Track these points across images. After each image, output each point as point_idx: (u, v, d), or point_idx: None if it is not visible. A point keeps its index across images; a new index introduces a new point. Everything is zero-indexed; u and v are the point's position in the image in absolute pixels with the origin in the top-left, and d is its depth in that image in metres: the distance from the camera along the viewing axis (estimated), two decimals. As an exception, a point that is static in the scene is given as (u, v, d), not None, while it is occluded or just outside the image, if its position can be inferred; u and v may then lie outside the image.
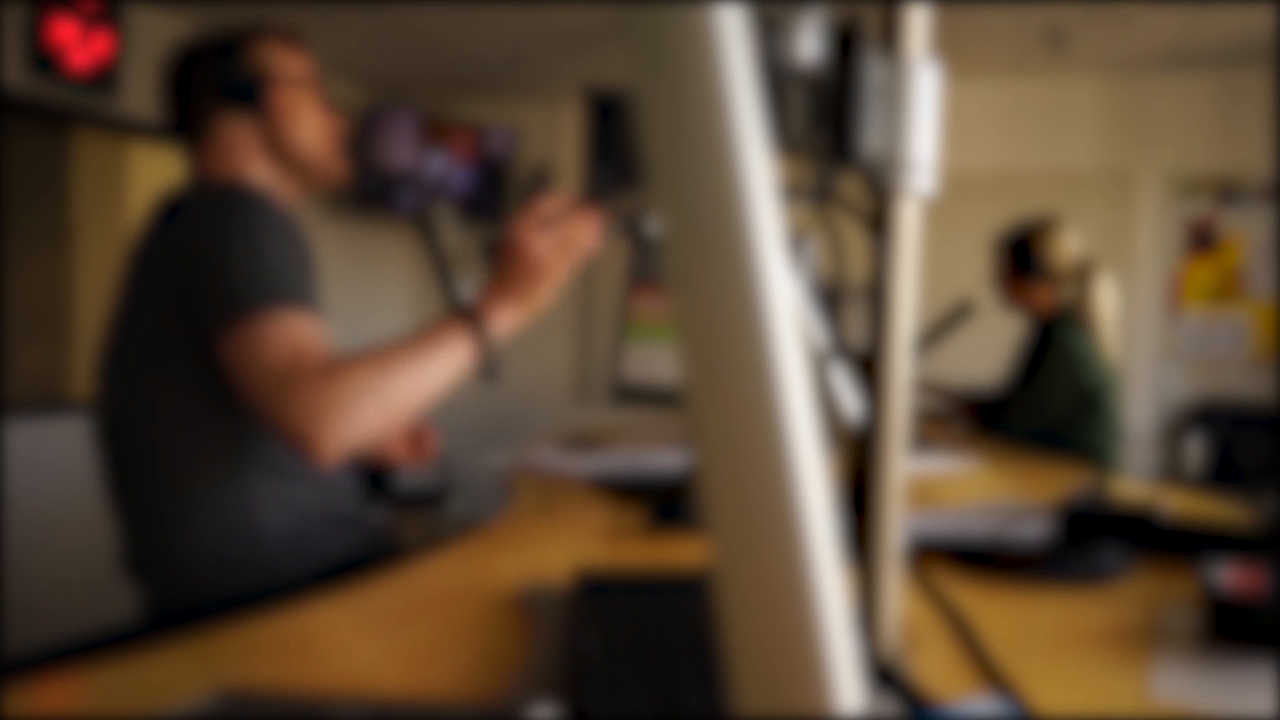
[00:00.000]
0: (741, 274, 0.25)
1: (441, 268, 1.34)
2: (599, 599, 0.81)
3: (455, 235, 1.39)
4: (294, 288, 1.11)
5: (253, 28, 1.37)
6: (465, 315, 1.12)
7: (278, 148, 1.34)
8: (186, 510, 1.15)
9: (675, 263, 0.26)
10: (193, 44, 1.34)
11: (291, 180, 1.37)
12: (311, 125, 1.36)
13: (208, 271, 1.11)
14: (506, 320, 1.15)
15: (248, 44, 1.34)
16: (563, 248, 1.15)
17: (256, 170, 1.33)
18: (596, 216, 1.17)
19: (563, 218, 1.16)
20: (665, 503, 1.33)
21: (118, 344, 1.21)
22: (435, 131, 4.53)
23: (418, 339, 1.10)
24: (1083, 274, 2.57)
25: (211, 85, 1.32)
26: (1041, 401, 2.51)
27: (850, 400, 0.74)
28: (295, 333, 1.07)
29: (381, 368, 1.06)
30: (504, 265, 1.15)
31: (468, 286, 1.43)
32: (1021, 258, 2.60)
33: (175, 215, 1.21)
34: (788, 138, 0.54)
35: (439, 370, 1.09)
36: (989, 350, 3.42)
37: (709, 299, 0.25)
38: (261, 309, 1.07)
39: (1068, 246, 2.58)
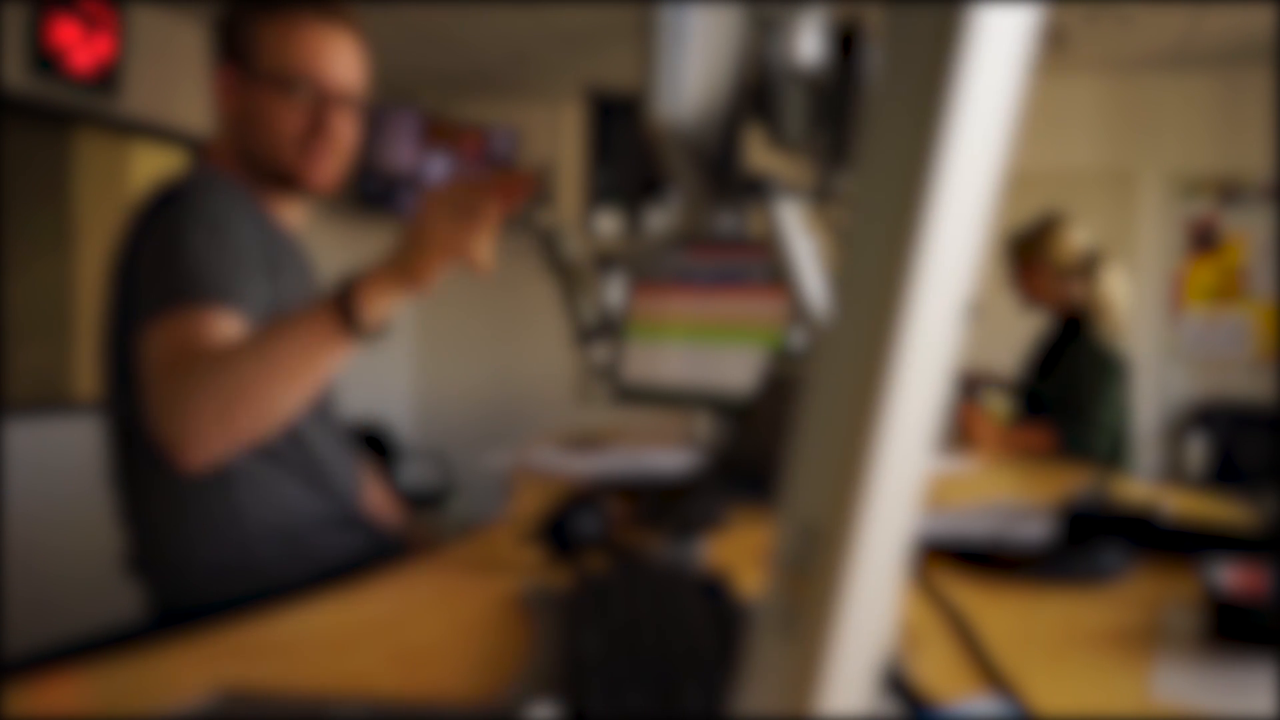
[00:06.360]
0: (917, 273, 0.26)
1: (567, 284, 1.30)
2: (599, 599, 0.81)
3: (576, 246, 1.34)
4: (212, 281, 1.03)
5: None
6: (338, 299, 1.00)
7: (241, 145, 1.20)
8: (176, 513, 1.13)
9: (859, 227, 0.27)
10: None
11: (263, 185, 1.23)
12: (277, 131, 1.17)
13: (140, 272, 1.09)
14: (384, 302, 1.03)
15: (269, 15, 1.18)
16: (466, 221, 1.00)
17: (229, 161, 1.22)
18: (511, 188, 1.01)
19: (475, 195, 1.01)
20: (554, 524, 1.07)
21: (112, 337, 1.18)
22: (436, 132, 4.54)
23: (290, 327, 1.00)
24: (1089, 266, 2.57)
25: (217, 48, 1.19)
26: (1093, 409, 2.48)
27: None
28: (187, 330, 1.00)
29: (252, 367, 0.98)
30: (400, 239, 1.03)
31: (589, 304, 1.36)
32: (1030, 254, 2.61)
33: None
34: (788, 138, 0.54)
35: (313, 363, 1.01)
36: (994, 351, 3.41)
37: (879, 281, 0.26)
38: (163, 310, 1.01)
39: (1073, 241, 2.59)
